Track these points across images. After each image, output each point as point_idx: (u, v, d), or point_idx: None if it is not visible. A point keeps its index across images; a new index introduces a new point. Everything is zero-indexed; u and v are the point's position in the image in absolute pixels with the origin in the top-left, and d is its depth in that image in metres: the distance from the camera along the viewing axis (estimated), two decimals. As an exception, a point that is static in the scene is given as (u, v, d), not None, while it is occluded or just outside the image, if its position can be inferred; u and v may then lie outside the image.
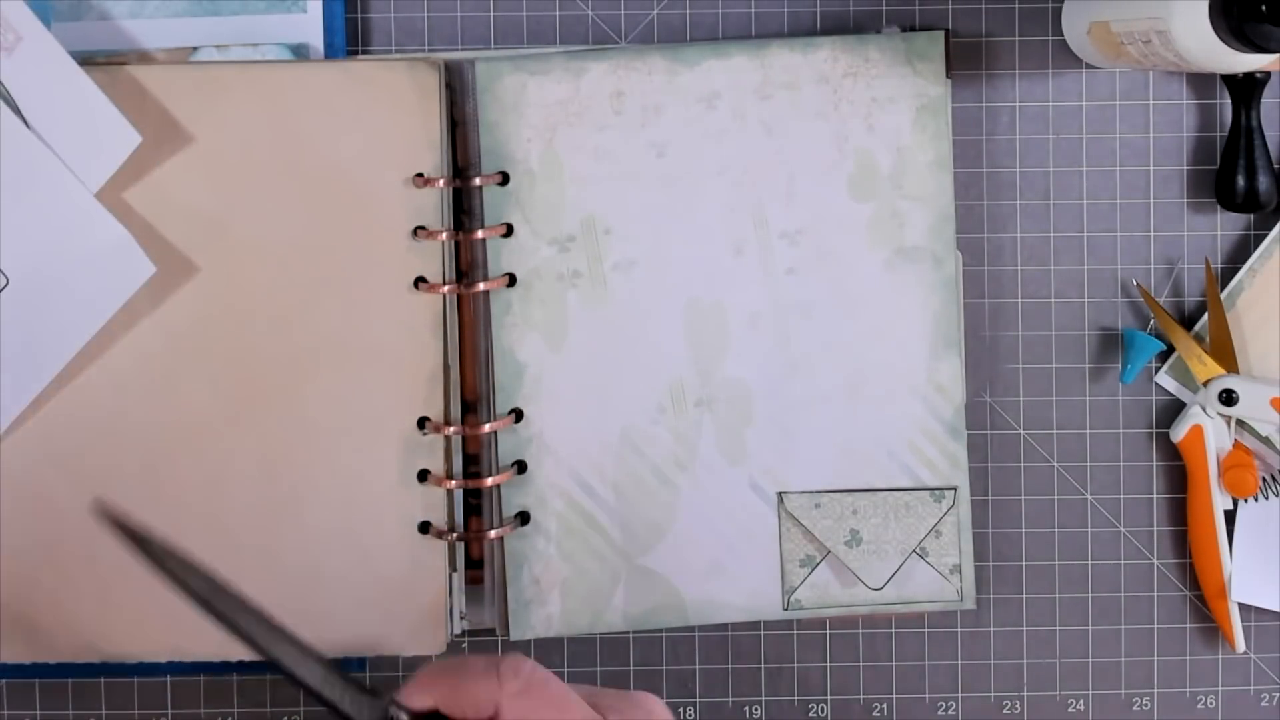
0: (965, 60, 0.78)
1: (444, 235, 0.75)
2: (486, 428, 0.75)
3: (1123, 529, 0.79)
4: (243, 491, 0.75)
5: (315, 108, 0.75)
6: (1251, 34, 0.64)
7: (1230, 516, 0.78)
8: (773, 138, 0.76)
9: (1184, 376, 0.78)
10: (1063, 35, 0.78)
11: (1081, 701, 0.79)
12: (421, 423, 0.75)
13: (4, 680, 0.78)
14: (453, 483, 0.75)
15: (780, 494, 0.77)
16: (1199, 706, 0.79)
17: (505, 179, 0.75)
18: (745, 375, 0.76)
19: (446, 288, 0.75)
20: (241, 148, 0.75)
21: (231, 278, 0.75)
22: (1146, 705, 0.79)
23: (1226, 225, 0.79)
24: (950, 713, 0.80)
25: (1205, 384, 0.78)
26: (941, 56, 0.76)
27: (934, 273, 0.76)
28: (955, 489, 0.77)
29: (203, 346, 0.75)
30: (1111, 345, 0.79)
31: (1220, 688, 0.79)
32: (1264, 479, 0.78)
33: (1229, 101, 0.77)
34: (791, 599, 0.77)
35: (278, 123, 0.75)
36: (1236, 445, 0.78)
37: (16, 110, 0.72)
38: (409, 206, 0.75)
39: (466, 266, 0.76)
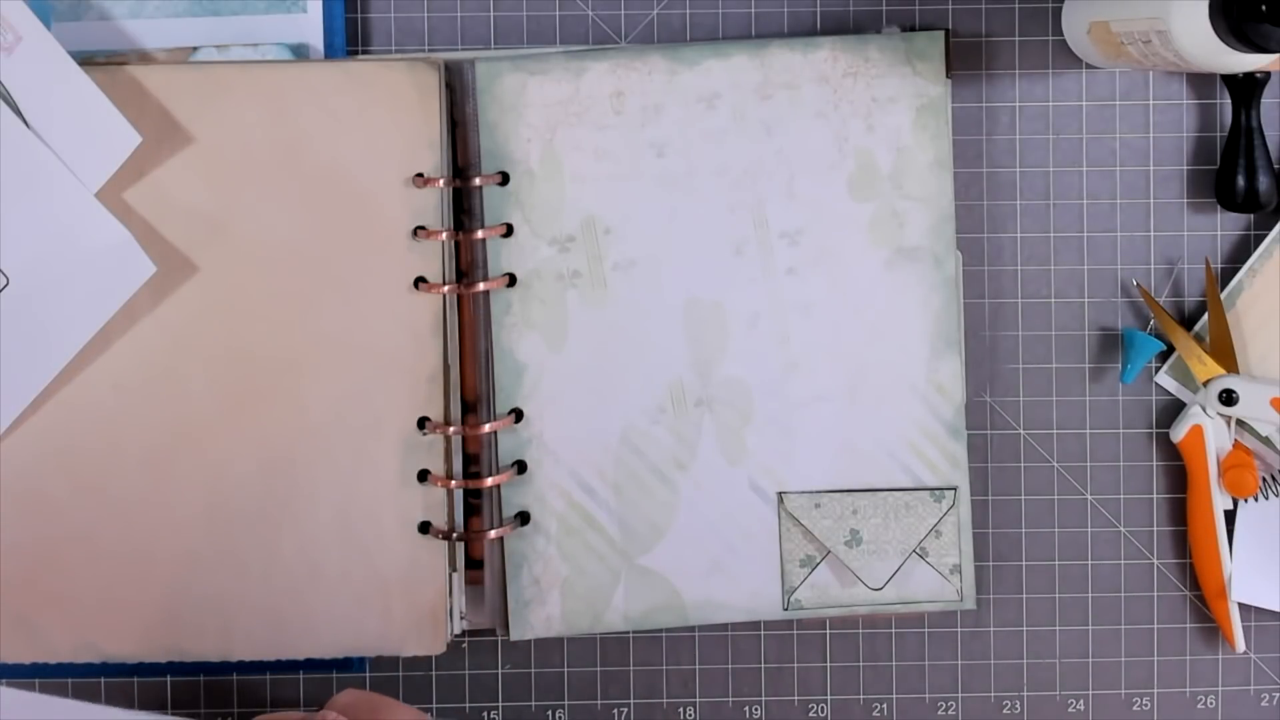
0: (965, 60, 0.78)
1: (444, 235, 0.75)
2: (486, 428, 0.75)
3: (1123, 529, 0.79)
4: (242, 491, 0.75)
5: (315, 108, 0.75)
6: (1251, 34, 0.64)
7: (1230, 516, 0.78)
8: (773, 138, 0.76)
9: (1184, 376, 0.78)
10: (1063, 35, 0.78)
11: (1081, 701, 0.79)
12: (421, 423, 0.75)
13: (4, 680, 0.78)
14: (453, 483, 0.75)
15: (780, 494, 0.77)
16: (1199, 706, 0.79)
17: (505, 179, 0.75)
18: (745, 375, 0.76)
19: (446, 288, 0.75)
20: (241, 148, 0.75)
21: (231, 278, 0.75)
22: (1146, 705, 0.79)
23: (1226, 225, 0.79)
24: (950, 713, 0.80)
25: (1205, 384, 0.78)
26: (941, 56, 0.76)
27: (934, 272, 0.76)
28: (955, 489, 0.77)
29: (203, 346, 0.75)
30: (1111, 345, 0.79)
31: (1220, 688, 0.79)
32: (1264, 479, 0.78)
33: (1229, 101, 0.77)
34: (791, 599, 0.77)
35: (278, 123, 0.75)
36: (1236, 445, 0.78)
37: (16, 110, 0.72)
38: (409, 206, 0.75)
39: (466, 266, 0.76)
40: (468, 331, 0.76)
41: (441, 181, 0.75)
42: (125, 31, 0.76)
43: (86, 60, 0.74)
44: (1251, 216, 0.79)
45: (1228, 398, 0.77)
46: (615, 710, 0.79)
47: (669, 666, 0.79)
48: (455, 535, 0.75)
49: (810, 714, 0.79)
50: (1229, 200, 0.77)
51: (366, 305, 0.75)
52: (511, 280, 0.76)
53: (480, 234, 0.75)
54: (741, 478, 0.77)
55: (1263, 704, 0.79)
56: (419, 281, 0.75)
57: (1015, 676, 0.79)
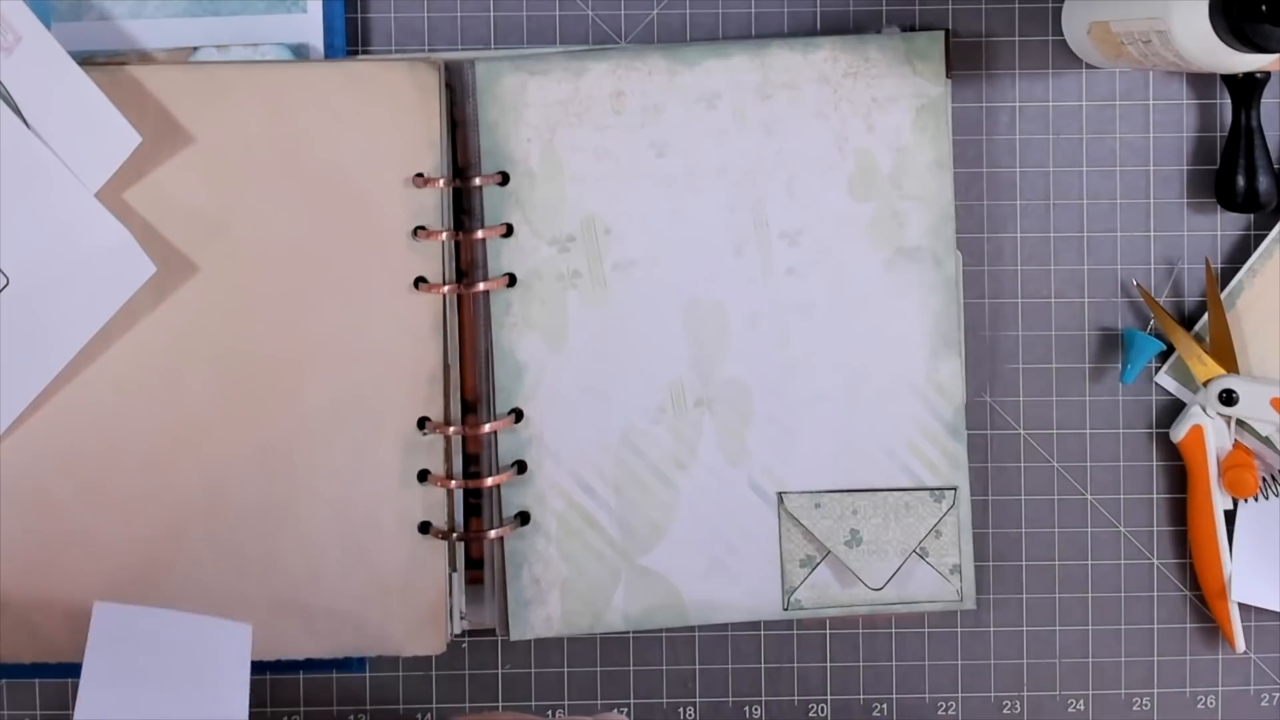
0: (965, 60, 0.78)
1: (444, 235, 0.75)
2: (486, 428, 0.75)
3: (1123, 529, 0.79)
4: (243, 491, 0.75)
5: (315, 108, 0.75)
6: (1251, 34, 0.64)
7: (1230, 516, 0.78)
8: (773, 138, 0.76)
9: (1184, 376, 0.78)
10: (1063, 35, 0.78)
11: (1081, 701, 0.79)
12: (421, 423, 0.75)
13: (4, 680, 0.78)
14: (453, 483, 0.75)
15: (780, 494, 0.77)
16: (1199, 706, 0.79)
17: (505, 179, 0.75)
18: (745, 375, 0.76)
19: (446, 288, 0.75)
20: (241, 148, 0.75)
21: (231, 278, 0.75)
22: (1146, 705, 0.79)
23: (1226, 225, 0.79)
24: (950, 713, 0.80)
25: (1205, 384, 0.78)
26: (941, 56, 0.76)
27: (934, 273, 0.76)
28: (955, 489, 0.77)
29: (202, 346, 0.75)
30: (1111, 345, 0.79)
31: (1220, 688, 0.79)
32: (1264, 479, 0.78)
33: (1229, 101, 0.77)
34: (791, 599, 0.77)
35: (278, 123, 0.75)
36: (1236, 445, 0.78)
37: (16, 110, 0.72)
38: (409, 206, 0.75)
39: (466, 266, 0.76)
40: (468, 331, 0.77)
41: (441, 181, 0.75)
42: (125, 31, 0.76)
43: (86, 60, 0.74)
44: (1251, 216, 0.79)
45: (1228, 398, 0.77)
46: (615, 710, 0.79)
47: (669, 666, 0.79)
48: (455, 535, 0.75)
49: (810, 714, 0.79)
50: (1229, 200, 0.77)
51: (366, 305, 0.75)
52: (511, 280, 0.76)
53: (480, 234, 0.75)
54: (741, 478, 0.77)
55: (1263, 704, 0.79)
56: (419, 281, 0.75)
57: (1015, 676, 0.79)
